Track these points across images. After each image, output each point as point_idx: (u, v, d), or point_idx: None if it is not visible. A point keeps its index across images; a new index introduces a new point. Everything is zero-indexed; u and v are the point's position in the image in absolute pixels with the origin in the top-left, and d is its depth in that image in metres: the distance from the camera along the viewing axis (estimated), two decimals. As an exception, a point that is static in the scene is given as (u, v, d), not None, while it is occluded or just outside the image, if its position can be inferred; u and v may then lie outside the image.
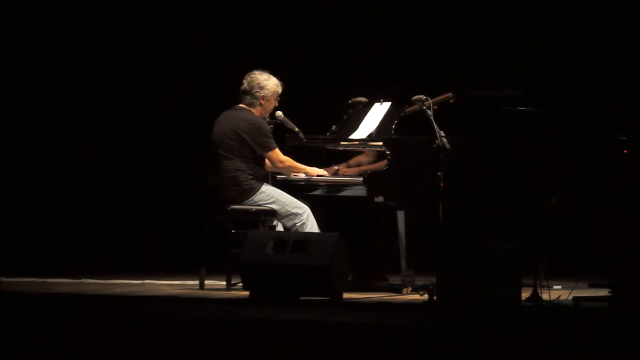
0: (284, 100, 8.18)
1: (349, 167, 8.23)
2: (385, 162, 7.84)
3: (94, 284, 8.52)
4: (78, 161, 10.79)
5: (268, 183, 8.04)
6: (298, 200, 7.94)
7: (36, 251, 10.14)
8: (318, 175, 8.01)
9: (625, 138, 7.39)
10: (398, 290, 7.80)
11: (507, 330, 5.84)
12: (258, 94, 7.99)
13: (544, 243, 7.72)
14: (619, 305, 6.74)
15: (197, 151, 8.65)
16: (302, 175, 8.05)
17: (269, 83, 8.01)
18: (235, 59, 10.18)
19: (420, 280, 7.90)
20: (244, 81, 8.04)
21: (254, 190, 7.91)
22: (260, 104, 8.01)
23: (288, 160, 7.97)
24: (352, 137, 8.13)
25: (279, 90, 8.05)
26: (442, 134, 7.65)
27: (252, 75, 8.03)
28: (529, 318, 6.48)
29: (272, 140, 7.95)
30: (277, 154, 7.94)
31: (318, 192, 8.09)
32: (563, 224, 8.22)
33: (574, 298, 6.97)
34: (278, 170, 8.05)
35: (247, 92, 8.02)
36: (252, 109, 8.01)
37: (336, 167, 8.19)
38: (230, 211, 7.90)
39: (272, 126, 8.09)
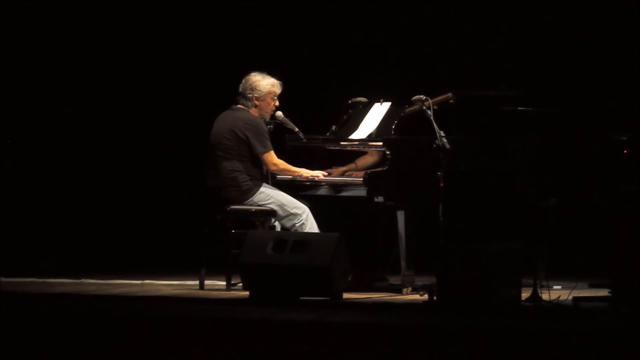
0: (284, 101, 8.18)
1: (357, 168, 8.21)
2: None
3: (94, 284, 8.52)
4: (78, 161, 10.80)
5: (268, 183, 8.05)
6: (297, 201, 7.95)
7: (36, 251, 10.14)
8: (312, 177, 8.00)
9: (625, 138, 7.39)
10: (398, 290, 7.80)
11: (507, 330, 5.84)
12: (250, 95, 8.00)
13: (544, 243, 7.72)
14: (619, 305, 6.74)
15: (197, 151, 8.65)
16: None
17: (261, 84, 8.00)
18: (236, 59, 10.19)
19: (420, 280, 7.90)
20: (240, 83, 8.06)
21: (253, 190, 7.92)
22: (255, 105, 8.01)
23: (282, 164, 7.96)
24: (352, 137, 8.13)
25: (276, 90, 8.04)
26: (442, 134, 7.65)
27: (247, 77, 8.06)
28: (529, 318, 6.47)
29: (269, 142, 7.94)
30: (272, 156, 7.93)
31: (318, 192, 8.10)
32: (563, 224, 8.22)
33: (574, 298, 6.97)
34: (272, 172, 8.05)
35: (242, 95, 8.04)
36: (249, 110, 8.02)
37: (343, 169, 8.18)
38: (230, 211, 7.90)
39: (271, 126, 8.09)
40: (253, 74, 8.06)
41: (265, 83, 8.00)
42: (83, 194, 10.78)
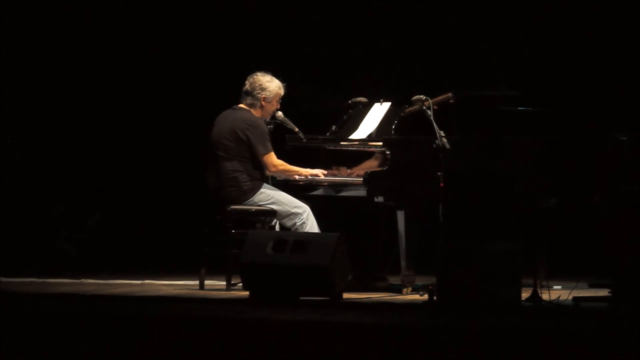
0: (285, 100, 8.18)
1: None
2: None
3: (94, 284, 8.52)
4: (78, 161, 10.79)
5: (268, 183, 8.04)
6: (298, 200, 7.94)
7: (37, 251, 10.14)
8: (312, 175, 8.00)
9: (625, 138, 7.39)
10: (398, 290, 7.80)
11: (507, 330, 5.83)
12: (259, 95, 8.00)
13: (544, 243, 7.72)
14: (619, 305, 6.74)
15: (198, 151, 8.65)
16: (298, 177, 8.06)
17: (271, 85, 8.01)
18: (236, 59, 10.19)
19: (420, 280, 7.90)
20: (247, 82, 8.05)
21: (253, 190, 7.92)
22: (261, 106, 8.02)
23: (281, 165, 7.96)
24: (352, 137, 8.13)
25: (281, 92, 8.05)
26: (442, 134, 7.65)
27: (255, 76, 8.04)
28: (529, 318, 6.47)
29: (269, 143, 7.94)
30: (272, 157, 7.92)
31: (318, 192, 8.09)
32: (563, 224, 8.21)
33: (574, 298, 6.97)
34: (272, 174, 8.04)
35: (249, 93, 8.03)
36: (252, 110, 8.02)
37: (349, 171, 8.18)
38: (230, 211, 7.90)
39: (272, 126, 8.09)
40: (260, 74, 8.05)
41: (274, 85, 8.01)
42: (84, 194, 10.78)
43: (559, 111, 7.87)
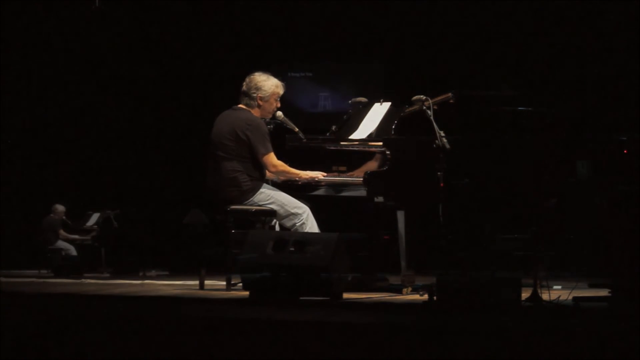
0: (285, 101, 8.18)
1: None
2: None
3: (94, 284, 8.52)
4: (79, 161, 10.80)
5: (268, 183, 8.04)
6: (297, 201, 7.94)
7: (38, 251, 10.15)
8: (311, 178, 8.00)
9: (625, 138, 7.39)
10: (398, 290, 7.80)
11: (507, 330, 5.83)
12: (255, 94, 8.00)
13: (544, 243, 7.72)
14: (619, 305, 6.74)
15: (198, 151, 8.66)
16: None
17: (266, 84, 8.00)
18: (237, 60, 10.19)
19: (420, 280, 7.90)
20: (244, 82, 8.06)
21: (253, 191, 7.92)
22: (259, 105, 8.01)
23: (281, 165, 7.95)
24: (352, 137, 8.13)
25: (279, 91, 8.04)
26: (442, 134, 7.65)
27: (252, 76, 8.05)
28: (529, 318, 6.47)
29: (269, 143, 7.93)
30: (271, 158, 7.92)
31: (319, 192, 8.09)
32: (563, 224, 8.21)
33: (574, 298, 6.97)
34: (272, 175, 8.04)
35: (246, 93, 8.03)
36: (251, 110, 8.02)
37: (349, 174, 8.17)
38: (230, 211, 7.90)
39: (271, 126, 8.09)
40: (257, 73, 8.05)
41: (270, 84, 8.00)
42: (84, 194, 10.78)
43: (558, 111, 7.87)
